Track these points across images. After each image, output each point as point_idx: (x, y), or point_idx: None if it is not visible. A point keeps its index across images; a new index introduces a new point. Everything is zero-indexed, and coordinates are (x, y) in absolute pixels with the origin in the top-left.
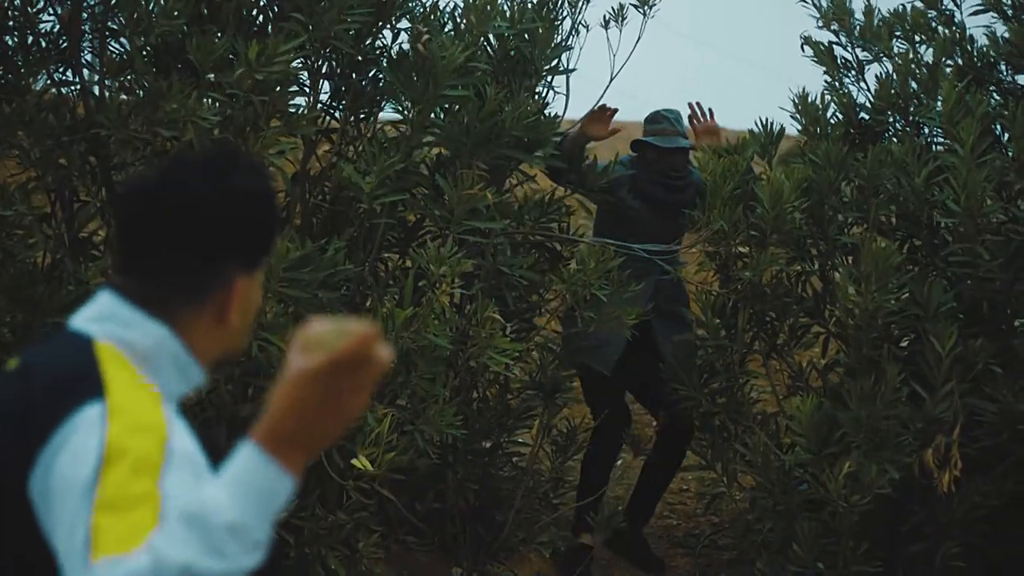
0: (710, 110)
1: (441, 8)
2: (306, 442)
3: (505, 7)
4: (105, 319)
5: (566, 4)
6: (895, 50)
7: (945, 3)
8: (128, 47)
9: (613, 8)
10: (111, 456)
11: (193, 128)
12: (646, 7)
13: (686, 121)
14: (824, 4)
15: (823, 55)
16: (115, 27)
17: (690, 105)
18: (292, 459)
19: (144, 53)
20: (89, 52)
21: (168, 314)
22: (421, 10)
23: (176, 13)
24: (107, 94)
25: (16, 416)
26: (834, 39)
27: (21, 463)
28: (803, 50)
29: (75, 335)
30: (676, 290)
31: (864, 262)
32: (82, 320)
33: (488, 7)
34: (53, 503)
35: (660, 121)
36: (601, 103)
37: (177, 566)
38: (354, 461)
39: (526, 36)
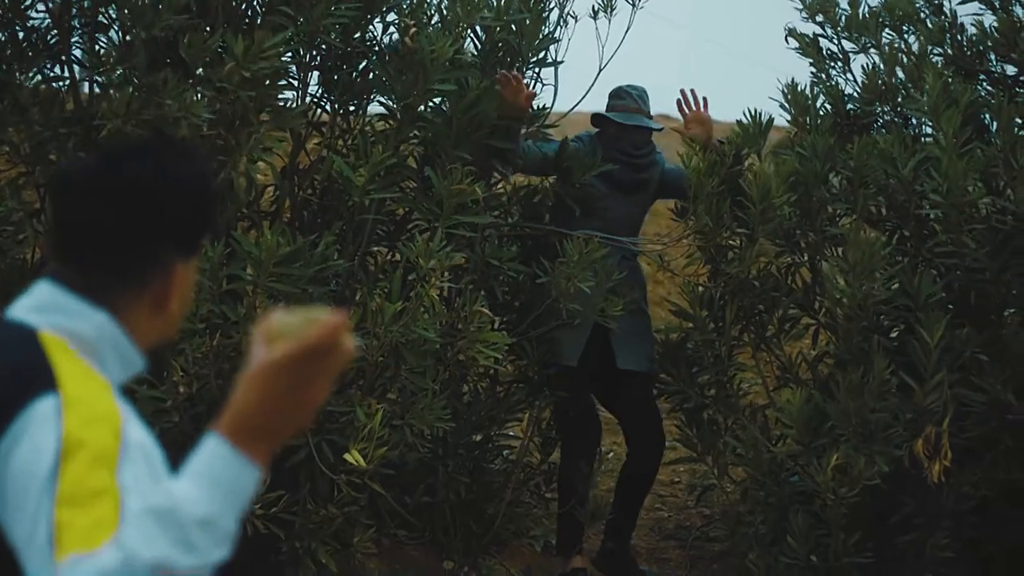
0: (704, 99)
1: (428, 1)
2: (272, 432)
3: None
4: (46, 309)
5: None
6: (883, 40)
7: None
8: (119, 41)
9: None
10: (69, 449)
11: (187, 125)
12: None
13: (702, 107)
14: None
15: (808, 47)
16: (105, 22)
17: (682, 92)
18: (258, 450)
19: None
20: (79, 48)
21: (108, 301)
22: (409, 3)
23: (183, 5)
24: (96, 87)
25: None
26: (819, 31)
27: None
28: (787, 42)
29: (17, 327)
30: (634, 276)
31: (851, 252)
32: (22, 311)
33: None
34: (11, 498)
35: (623, 97)
36: (503, 73)
37: (149, 562)
38: (346, 456)
39: (513, 27)
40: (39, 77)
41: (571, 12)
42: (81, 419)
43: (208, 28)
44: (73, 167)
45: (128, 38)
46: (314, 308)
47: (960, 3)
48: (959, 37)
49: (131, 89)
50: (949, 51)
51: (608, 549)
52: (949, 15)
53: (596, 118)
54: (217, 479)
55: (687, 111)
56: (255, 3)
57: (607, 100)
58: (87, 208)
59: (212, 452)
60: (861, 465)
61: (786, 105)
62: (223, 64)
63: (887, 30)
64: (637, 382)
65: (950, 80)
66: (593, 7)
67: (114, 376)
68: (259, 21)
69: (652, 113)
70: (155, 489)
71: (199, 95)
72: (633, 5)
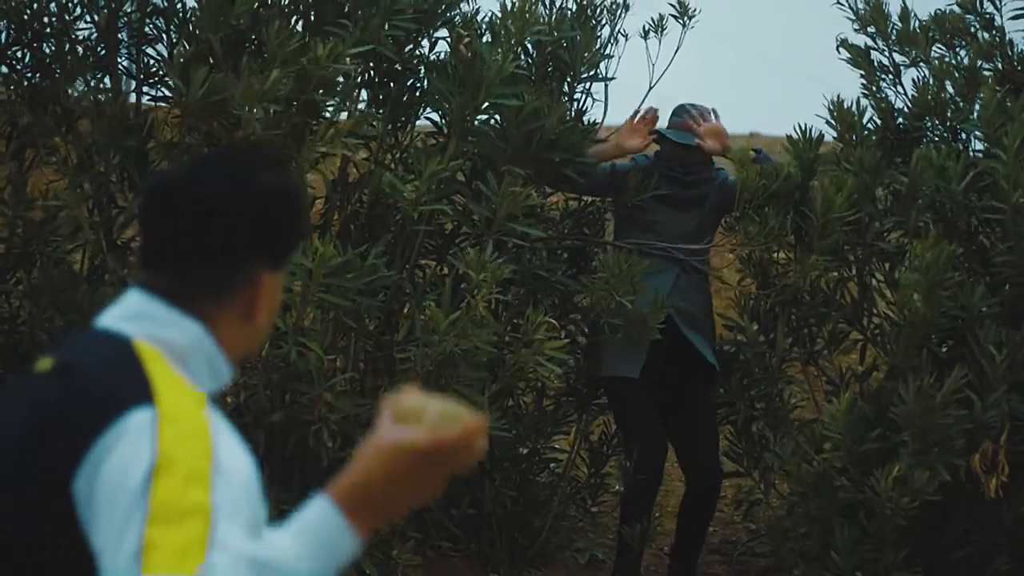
0: (713, 110)
1: (480, 18)
2: (383, 511)
3: (542, 15)
4: (139, 317)
5: (605, 12)
6: (933, 54)
7: (985, 7)
8: (169, 53)
9: (653, 19)
10: (163, 465)
11: (263, 111)
12: (685, 17)
13: (713, 119)
14: (860, 8)
15: (859, 59)
16: (151, 34)
17: (688, 112)
18: (365, 523)
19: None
20: (127, 59)
21: (198, 311)
22: (460, 19)
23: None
24: (143, 99)
25: (59, 416)
26: (870, 43)
27: (66, 463)
28: (839, 52)
29: (111, 335)
30: (694, 291)
31: (926, 257)
32: (114, 319)
33: (527, 15)
34: (98, 505)
35: (681, 114)
36: (636, 110)
37: None
38: None
39: (564, 43)
40: (85, 88)
41: (622, 30)
42: (176, 436)
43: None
44: (162, 178)
45: (175, 51)
46: (452, 403)
47: (1012, 18)
48: (1009, 52)
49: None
50: (1000, 66)
51: None
52: (999, 30)
53: (654, 133)
54: (320, 541)
55: (698, 128)
56: (308, 16)
57: (669, 117)
58: (174, 219)
59: (322, 514)
60: (924, 478)
61: (832, 121)
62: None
63: (938, 44)
64: (703, 387)
65: (1001, 94)
66: (644, 27)
67: (204, 386)
68: (307, 37)
69: None
70: (259, 540)
71: (276, 74)
72: (684, 25)
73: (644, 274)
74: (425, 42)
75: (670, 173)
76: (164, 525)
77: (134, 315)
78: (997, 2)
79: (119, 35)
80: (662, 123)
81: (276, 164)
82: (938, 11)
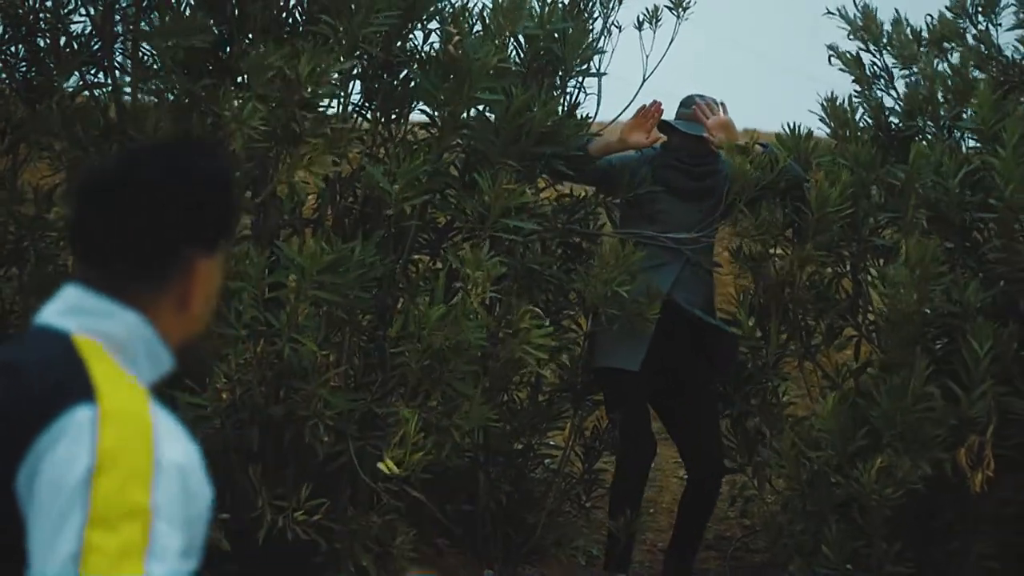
0: (721, 103)
1: (470, 9)
2: None
3: (535, 7)
4: (77, 312)
5: (598, 4)
6: (927, 57)
7: (980, 20)
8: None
9: (647, 9)
10: (103, 465)
11: (241, 136)
12: (680, 9)
13: (721, 112)
14: (852, 15)
15: (852, 64)
16: (148, 30)
17: (696, 104)
18: None
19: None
20: (121, 54)
21: (134, 301)
22: (450, 11)
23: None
24: (139, 96)
25: (3, 414)
26: (862, 46)
27: (9, 459)
28: (831, 62)
29: (51, 331)
30: (697, 284)
31: (912, 255)
32: (52, 315)
33: (517, 8)
34: (37, 504)
35: (689, 105)
36: (643, 105)
37: None
38: (380, 464)
39: (556, 36)
40: (80, 84)
41: (615, 22)
42: (117, 435)
43: (249, 37)
44: (92, 170)
45: (169, 44)
46: None
47: (1008, 29)
48: (1001, 59)
49: (171, 97)
50: (993, 73)
51: None
52: (994, 39)
53: (662, 125)
54: None
55: (705, 120)
56: (295, 12)
57: (677, 108)
58: (105, 209)
59: None
60: (907, 467)
61: (825, 119)
62: (274, 77)
63: (929, 48)
64: (705, 375)
65: (998, 95)
66: (638, 18)
67: (145, 376)
68: (300, 30)
69: None
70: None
71: (252, 105)
72: (677, 16)
73: (647, 267)
74: (419, 34)
75: (678, 164)
76: (103, 527)
77: (71, 309)
78: (993, 17)
79: (115, 29)
80: (670, 115)
81: (208, 148)
82: (928, 16)
